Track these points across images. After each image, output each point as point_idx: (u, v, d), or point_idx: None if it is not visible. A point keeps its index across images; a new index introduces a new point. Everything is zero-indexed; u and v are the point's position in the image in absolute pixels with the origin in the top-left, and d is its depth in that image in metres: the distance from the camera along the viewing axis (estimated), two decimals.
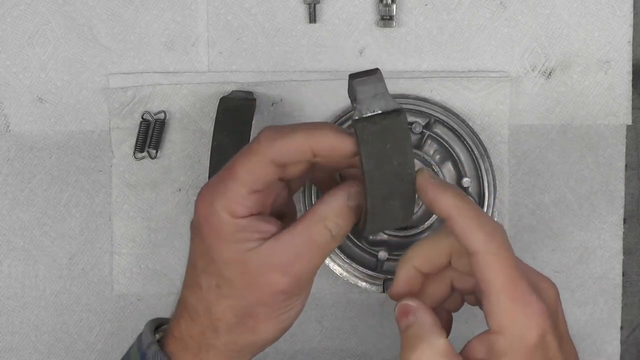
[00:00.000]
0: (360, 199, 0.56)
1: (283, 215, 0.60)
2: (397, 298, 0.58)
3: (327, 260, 0.79)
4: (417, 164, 0.57)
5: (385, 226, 0.58)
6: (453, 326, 0.63)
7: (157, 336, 0.61)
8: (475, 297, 0.60)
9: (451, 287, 0.60)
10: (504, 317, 0.53)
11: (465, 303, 0.62)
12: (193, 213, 0.58)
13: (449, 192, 0.54)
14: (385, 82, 0.55)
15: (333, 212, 0.55)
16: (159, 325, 0.63)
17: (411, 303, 0.56)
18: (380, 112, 0.54)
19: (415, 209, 0.79)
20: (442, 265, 0.58)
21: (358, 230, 0.57)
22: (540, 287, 0.56)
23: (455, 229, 0.54)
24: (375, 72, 0.55)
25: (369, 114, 0.53)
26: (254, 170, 0.55)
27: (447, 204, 0.54)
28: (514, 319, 0.53)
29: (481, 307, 0.55)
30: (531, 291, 0.53)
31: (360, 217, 0.56)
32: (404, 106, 0.78)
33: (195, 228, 0.58)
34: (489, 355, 0.53)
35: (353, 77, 0.55)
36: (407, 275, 0.58)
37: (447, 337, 0.57)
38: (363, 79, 0.54)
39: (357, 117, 0.54)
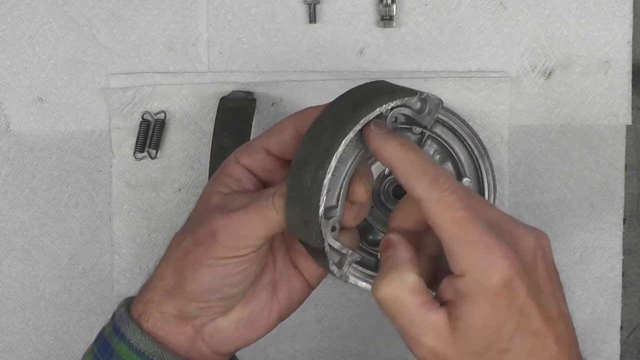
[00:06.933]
0: None
1: None
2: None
3: None
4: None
5: (298, 209, 0.56)
6: None
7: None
8: None
9: None
10: (463, 260, 0.52)
11: None
12: None
13: (392, 142, 0.54)
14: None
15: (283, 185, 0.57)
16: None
17: (393, 237, 0.57)
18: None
19: None
20: (423, 221, 0.58)
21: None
22: (515, 234, 0.54)
23: (399, 177, 0.54)
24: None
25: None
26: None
27: (390, 152, 0.54)
28: (473, 261, 0.52)
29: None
30: (490, 234, 0.52)
31: None
32: None
33: None
34: (455, 297, 0.53)
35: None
36: (394, 232, 0.59)
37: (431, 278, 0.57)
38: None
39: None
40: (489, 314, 0.52)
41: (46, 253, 0.82)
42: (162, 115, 0.81)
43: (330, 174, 0.54)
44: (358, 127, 0.54)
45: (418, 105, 0.57)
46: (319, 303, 0.82)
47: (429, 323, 0.53)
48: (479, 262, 0.52)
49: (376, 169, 0.79)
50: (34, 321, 0.82)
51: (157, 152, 0.81)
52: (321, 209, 0.54)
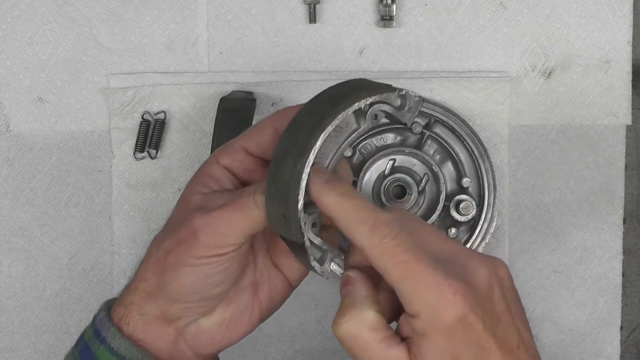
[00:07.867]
0: None
1: None
2: None
3: None
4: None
5: (278, 201, 0.55)
6: None
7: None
8: None
9: None
10: (415, 302, 0.53)
11: None
12: None
13: (331, 192, 0.54)
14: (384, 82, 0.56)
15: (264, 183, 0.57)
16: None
17: (351, 274, 0.57)
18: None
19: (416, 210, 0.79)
20: None
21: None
22: (468, 267, 0.54)
23: (340, 227, 0.55)
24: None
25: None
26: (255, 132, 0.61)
27: (328, 203, 0.54)
28: (425, 301, 0.52)
29: None
30: (438, 272, 0.52)
31: None
32: None
33: None
34: (412, 334, 0.54)
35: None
36: (352, 270, 0.59)
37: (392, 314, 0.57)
38: None
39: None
40: (445, 350, 0.52)
41: (46, 253, 0.82)
42: (162, 115, 0.81)
43: (308, 168, 0.53)
44: (336, 122, 0.54)
45: (398, 102, 0.57)
46: (319, 303, 0.82)
47: (389, 359, 0.54)
48: (430, 301, 0.52)
49: (376, 168, 0.79)
50: (34, 321, 0.82)
51: (157, 152, 0.81)
52: (300, 203, 0.54)
